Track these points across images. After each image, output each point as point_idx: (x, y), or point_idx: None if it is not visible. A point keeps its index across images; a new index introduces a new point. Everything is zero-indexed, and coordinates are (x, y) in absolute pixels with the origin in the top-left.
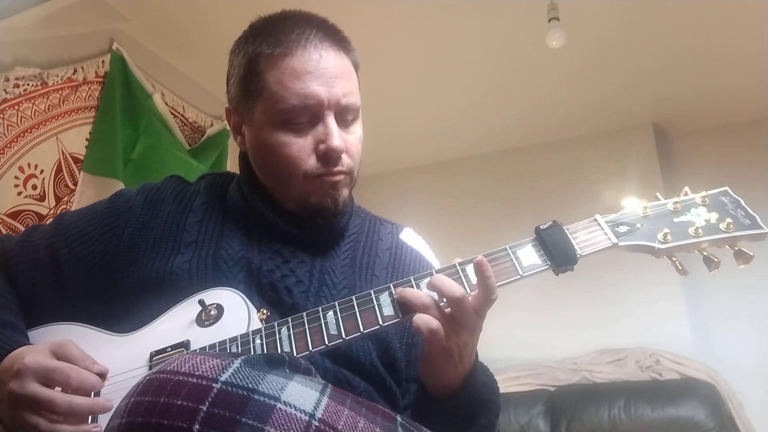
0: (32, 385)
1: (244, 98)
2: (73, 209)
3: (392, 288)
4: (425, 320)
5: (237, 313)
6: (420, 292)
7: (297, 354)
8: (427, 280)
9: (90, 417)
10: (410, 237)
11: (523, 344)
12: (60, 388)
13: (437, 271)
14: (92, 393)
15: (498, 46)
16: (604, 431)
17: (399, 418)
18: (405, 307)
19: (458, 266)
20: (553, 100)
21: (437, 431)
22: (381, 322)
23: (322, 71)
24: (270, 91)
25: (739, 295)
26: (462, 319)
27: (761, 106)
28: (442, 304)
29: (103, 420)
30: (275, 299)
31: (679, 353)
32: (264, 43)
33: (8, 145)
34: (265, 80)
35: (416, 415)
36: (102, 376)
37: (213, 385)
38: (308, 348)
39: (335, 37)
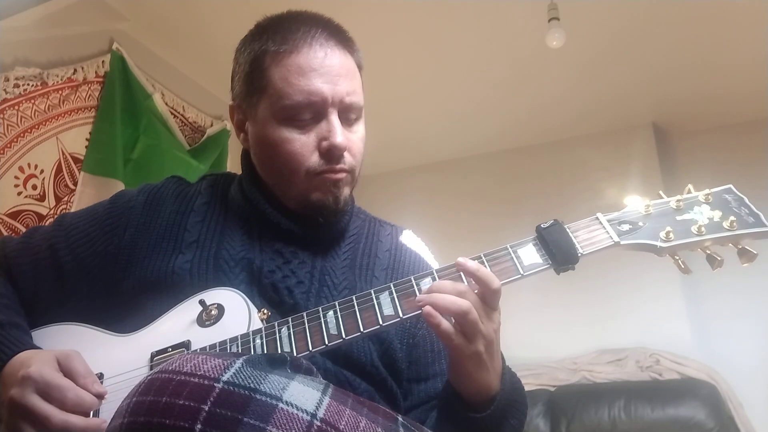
0: (32, 396)
1: (249, 95)
2: (73, 209)
3: (392, 288)
4: (445, 327)
5: (238, 313)
6: (456, 298)
7: (297, 354)
8: (427, 279)
9: None
10: (410, 239)
11: (523, 344)
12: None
13: (437, 271)
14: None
15: (498, 46)
16: (604, 431)
17: (400, 418)
18: (407, 306)
19: None
20: (553, 100)
21: None
22: (381, 322)
23: (327, 69)
24: (275, 88)
25: (740, 295)
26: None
27: (761, 106)
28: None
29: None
30: (276, 300)
31: (679, 353)
32: (270, 41)
33: (8, 145)
34: (270, 77)
35: (444, 420)
36: (99, 396)
37: (215, 384)
38: (308, 348)
39: (340, 36)
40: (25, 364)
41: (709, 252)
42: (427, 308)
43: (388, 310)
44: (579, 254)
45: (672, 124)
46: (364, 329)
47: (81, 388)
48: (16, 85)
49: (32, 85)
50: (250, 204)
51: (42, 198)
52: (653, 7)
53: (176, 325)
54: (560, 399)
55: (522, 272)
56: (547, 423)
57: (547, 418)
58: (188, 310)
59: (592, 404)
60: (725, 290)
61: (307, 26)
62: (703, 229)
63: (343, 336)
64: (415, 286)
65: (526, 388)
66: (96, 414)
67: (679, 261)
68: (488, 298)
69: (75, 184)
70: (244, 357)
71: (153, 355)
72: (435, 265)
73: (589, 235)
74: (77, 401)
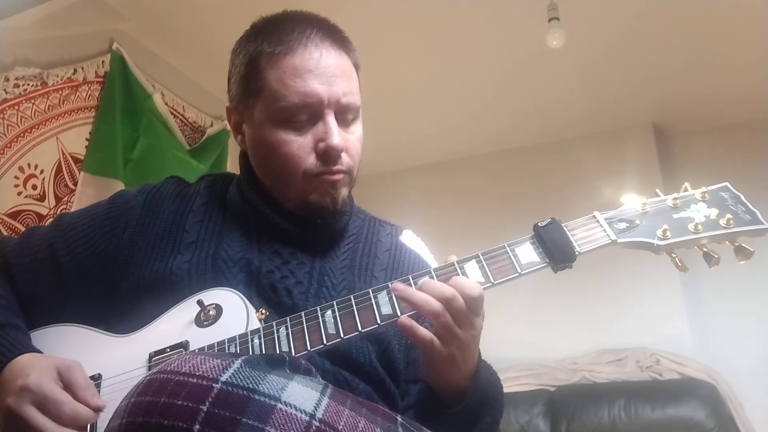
0: (28, 408)
1: (245, 97)
2: (73, 209)
3: (391, 287)
4: (421, 335)
5: (236, 313)
6: (429, 298)
7: (295, 353)
8: (425, 278)
9: None
10: (409, 239)
11: (523, 344)
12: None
13: (435, 270)
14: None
15: (498, 46)
16: (604, 431)
17: (399, 419)
18: (404, 306)
19: (456, 264)
20: (553, 100)
21: (442, 431)
22: (379, 321)
23: (323, 70)
24: (271, 89)
25: (740, 295)
26: (458, 318)
27: (760, 107)
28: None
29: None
30: (275, 300)
31: (679, 353)
32: (265, 42)
33: (8, 145)
34: (265, 78)
35: (420, 416)
36: (98, 409)
37: (213, 385)
38: (306, 347)
39: (336, 36)
40: (24, 372)
41: (705, 250)
42: (402, 319)
43: (386, 310)
44: (576, 252)
45: (672, 124)
46: (362, 328)
47: (79, 402)
48: (16, 85)
49: (32, 85)
50: (248, 205)
51: (42, 198)
52: (653, 7)
53: (174, 326)
54: (560, 399)
55: (519, 271)
56: (547, 423)
57: (547, 418)
58: (186, 310)
59: (592, 404)
60: (725, 290)
61: (302, 27)
62: (699, 226)
63: (342, 335)
64: (413, 286)
65: (526, 388)
66: (93, 424)
67: (676, 259)
68: (470, 305)
69: (75, 184)
70: (243, 357)
71: (151, 356)
72: (434, 264)
73: (586, 233)
74: (73, 416)
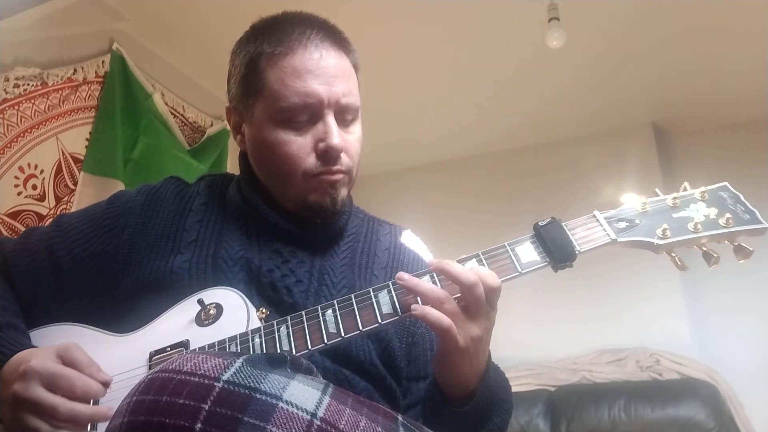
0: (36, 388)
1: (245, 97)
2: (73, 209)
3: (391, 286)
4: (437, 317)
5: (236, 312)
6: (434, 286)
7: (296, 352)
8: (425, 277)
9: (89, 425)
10: (409, 238)
11: (523, 344)
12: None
13: None
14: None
15: (498, 46)
16: (604, 431)
17: (400, 418)
18: (405, 305)
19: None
20: (554, 100)
21: (449, 431)
22: (380, 320)
23: (323, 70)
24: (271, 90)
25: (740, 295)
26: (476, 308)
27: (760, 107)
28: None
29: (102, 427)
30: (275, 299)
31: (679, 353)
32: (265, 43)
33: (8, 145)
34: (265, 79)
35: (427, 414)
36: (105, 384)
37: (215, 384)
38: (307, 346)
39: (336, 37)
40: (25, 360)
41: (705, 249)
42: (414, 307)
43: (386, 309)
44: (576, 252)
45: (672, 124)
46: (363, 328)
47: (87, 376)
48: (16, 85)
49: (32, 85)
50: (248, 205)
51: (42, 198)
52: (654, 8)
53: (175, 325)
54: (560, 399)
55: (520, 270)
56: (547, 423)
57: (547, 418)
58: (187, 309)
59: (592, 404)
60: (725, 290)
61: (302, 27)
62: (699, 226)
63: (342, 334)
64: None
65: (526, 388)
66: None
67: (676, 258)
68: (488, 295)
69: (75, 184)
70: (244, 356)
71: (152, 355)
72: None
73: (586, 232)
74: (86, 389)
